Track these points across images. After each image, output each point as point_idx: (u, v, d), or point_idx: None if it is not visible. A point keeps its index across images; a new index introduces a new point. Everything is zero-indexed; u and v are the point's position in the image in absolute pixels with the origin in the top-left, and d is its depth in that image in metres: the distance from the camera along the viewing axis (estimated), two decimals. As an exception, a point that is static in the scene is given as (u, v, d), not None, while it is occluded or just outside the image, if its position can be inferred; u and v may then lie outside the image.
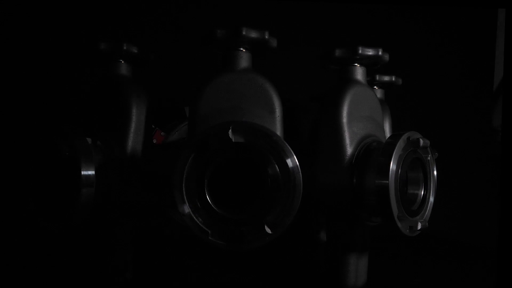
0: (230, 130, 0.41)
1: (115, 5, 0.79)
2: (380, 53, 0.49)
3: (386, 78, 0.65)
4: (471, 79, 1.00)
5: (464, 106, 0.98)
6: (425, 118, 0.93)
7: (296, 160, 0.42)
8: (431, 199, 0.49)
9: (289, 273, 0.59)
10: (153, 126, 0.49)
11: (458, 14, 0.98)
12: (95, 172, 0.44)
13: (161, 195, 0.49)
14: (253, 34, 0.44)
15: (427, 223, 0.47)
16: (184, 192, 0.42)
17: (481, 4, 0.97)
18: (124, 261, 0.50)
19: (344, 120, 0.47)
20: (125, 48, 0.47)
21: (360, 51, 0.48)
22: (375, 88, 0.66)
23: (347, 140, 0.47)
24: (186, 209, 0.42)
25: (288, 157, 0.42)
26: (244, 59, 0.45)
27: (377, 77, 0.65)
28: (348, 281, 0.49)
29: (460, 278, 0.60)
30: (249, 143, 0.42)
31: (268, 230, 0.41)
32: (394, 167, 0.43)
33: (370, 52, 0.49)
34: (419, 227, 0.45)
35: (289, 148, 0.42)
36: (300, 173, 0.42)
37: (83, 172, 0.43)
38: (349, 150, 0.47)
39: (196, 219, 0.42)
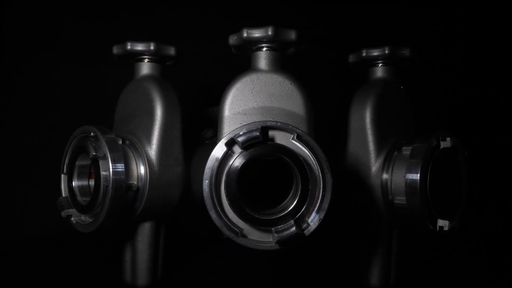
0: (260, 130, 0.41)
1: (144, 6, 0.79)
2: (409, 53, 0.48)
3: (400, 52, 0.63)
4: (502, 77, 0.98)
5: (493, 104, 0.96)
6: (455, 117, 0.91)
7: (327, 160, 0.42)
8: (462, 198, 0.48)
9: (318, 272, 0.59)
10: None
11: (487, 11, 0.96)
12: (124, 172, 0.44)
13: (191, 195, 0.50)
14: (282, 34, 0.44)
15: (457, 223, 0.47)
16: (214, 192, 0.42)
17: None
18: (153, 261, 0.50)
19: (373, 120, 0.47)
20: (153, 48, 0.48)
21: (388, 51, 0.48)
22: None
23: (376, 141, 0.47)
24: (216, 209, 0.42)
25: (318, 157, 0.42)
26: (272, 59, 0.45)
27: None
28: (378, 281, 0.48)
29: (491, 277, 0.59)
30: (278, 143, 0.42)
31: (299, 230, 0.41)
32: (425, 168, 0.43)
33: (399, 52, 0.48)
34: (449, 226, 0.45)
35: (319, 147, 0.42)
36: (330, 173, 0.42)
37: (112, 172, 0.43)
38: (378, 150, 0.47)
39: (225, 219, 0.42)
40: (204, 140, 0.62)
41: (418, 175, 0.43)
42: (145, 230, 0.49)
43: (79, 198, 0.47)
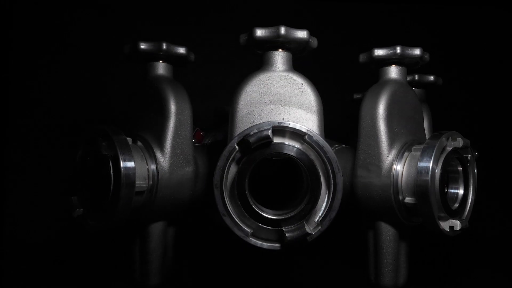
0: (271, 130, 0.41)
1: (156, 5, 0.79)
2: (420, 53, 0.48)
3: (427, 78, 0.64)
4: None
5: (505, 105, 0.96)
6: (466, 118, 0.91)
7: (337, 161, 0.42)
8: (472, 198, 0.48)
9: (328, 272, 0.59)
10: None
11: (500, 13, 0.96)
12: (135, 172, 0.44)
13: (201, 194, 0.50)
14: (293, 34, 0.44)
15: (467, 223, 0.47)
16: (224, 192, 0.42)
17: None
18: (163, 260, 0.50)
19: (384, 119, 0.47)
20: (165, 48, 0.48)
21: (399, 51, 0.48)
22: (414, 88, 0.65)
23: (387, 140, 0.47)
24: (226, 208, 0.42)
25: (328, 158, 0.42)
26: (283, 59, 0.45)
27: (417, 77, 0.63)
28: (389, 281, 0.48)
29: (500, 277, 0.59)
30: (289, 143, 0.43)
31: (308, 230, 0.41)
32: (435, 168, 0.43)
33: (410, 52, 0.48)
34: (459, 227, 0.45)
35: (329, 147, 0.42)
36: (341, 173, 0.42)
37: (123, 172, 0.43)
38: (389, 150, 0.47)
39: (236, 219, 0.42)
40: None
41: (429, 175, 0.43)
42: (156, 230, 0.49)
43: (90, 198, 0.47)
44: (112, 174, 0.44)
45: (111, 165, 0.44)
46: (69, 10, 0.79)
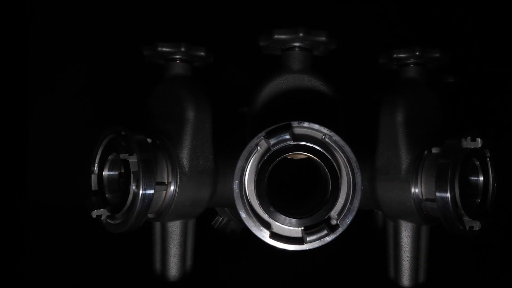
0: (290, 130, 0.41)
1: (174, 5, 0.80)
2: (439, 53, 0.48)
3: (447, 78, 0.64)
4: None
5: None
6: (484, 118, 0.91)
7: (356, 160, 0.42)
8: (492, 199, 0.48)
9: (347, 273, 0.59)
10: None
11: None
12: (154, 172, 0.44)
13: (221, 195, 0.50)
14: (312, 35, 0.44)
15: (487, 223, 0.46)
16: (243, 192, 0.42)
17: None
18: (183, 260, 0.50)
19: (403, 122, 0.47)
20: (183, 49, 0.48)
21: (419, 51, 0.48)
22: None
23: (407, 142, 0.47)
24: (246, 209, 0.42)
25: (348, 158, 0.42)
26: (302, 59, 0.45)
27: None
28: (408, 280, 0.48)
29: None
30: (308, 143, 0.43)
31: (328, 230, 0.41)
32: (454, 169, 0.43)
33: (429, 52, 0.48)
34: (479, 227, 0.45)
35: (349, 147, 0.42)
36: (360, 174, 0.42)
37: (142, 172, 0.44)
38: (408, 151, 0.46)
39: (255, 219, 0.42)
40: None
41: (448, 176, 0.43)
42: (175, 229, 0.49)
43: (108, 197, 0.47)
44: (131, 174, 0.44)
45: (130, 165, 0.44)
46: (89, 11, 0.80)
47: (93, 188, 0.48)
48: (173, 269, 0.50)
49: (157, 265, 0.51)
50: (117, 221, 0.45)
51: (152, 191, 0.44)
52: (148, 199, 0.44)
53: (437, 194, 0.44)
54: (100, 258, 0.64)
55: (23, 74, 0.79)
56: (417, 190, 0.46)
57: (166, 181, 0.47)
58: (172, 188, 0.47)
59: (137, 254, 0.58)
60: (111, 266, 0.62)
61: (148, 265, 0.52)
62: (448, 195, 0.43)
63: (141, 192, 0.43)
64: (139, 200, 0.43)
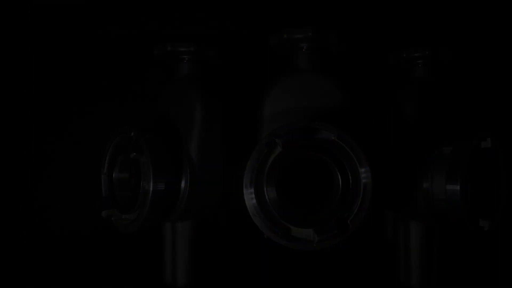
0: (300, 130, 0.41)
1: (183, 6, 0.79)
2: (448, 52, 0.48)
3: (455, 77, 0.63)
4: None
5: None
6: (494, 117, 0.90)
7: (367, 160, 0.42)
8: (502, 198, 0.48)
9: (357, 272, 0.59)
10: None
11: None
12: (164, 172, 0.44)
13: (229, 195, 0.50)
14: (322, 34, 0.44)
15: (496, 223, 0.46)
16: (253, 193, 0.42)
17: None
18: (194, 261, 0.51)
19: (415, 119, 0.47)
20: (192, 49, 0.48)
21: (429, 52, 0.48)
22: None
23: (418, 140, 0.47)
24: (257, 209, 0.42)
25: (359, 158, 0.42)
26: (313, 59, 0.45)
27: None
28: (419, 281, 0.49)
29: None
30: (318, 144, 0.43)
31: (339, 230, 0.42)
32: (465, 169, 0.43)
33: (439, 51, 0.48)
34: (489, 226, 0.45)
35: (359, 148, 0.42)
36: (370, 173, 0.42)
37: (152, 172, 0.44)
38: (419, 149, 0.46)
39: (266, 219, 0.42)
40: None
41: (459, 175, 0.43)
42: (185, 230, 0.49)
43: (119, 197, 0.48)
44: (142, 174, 0.44)
45: (140, 165, 0.44)
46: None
47: (103, 189, 0.48)
48: (182, 276, 0.50)
49: (167, 270, 0.51)
50: (128, 221, 0.46)
51: (162, 188, 0.44)
52: (158, 196, 0.44)
53: (447, 194, 0.44)
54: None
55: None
56: (427, 189, 0.46)
57: (176, 180, 0.47)
58: (182, 186, 0.47)
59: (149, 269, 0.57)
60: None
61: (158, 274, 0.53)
62: (459, 195, 0.43)
63: (151, 189, 0.43)
64: (150, 197, 0.43)
